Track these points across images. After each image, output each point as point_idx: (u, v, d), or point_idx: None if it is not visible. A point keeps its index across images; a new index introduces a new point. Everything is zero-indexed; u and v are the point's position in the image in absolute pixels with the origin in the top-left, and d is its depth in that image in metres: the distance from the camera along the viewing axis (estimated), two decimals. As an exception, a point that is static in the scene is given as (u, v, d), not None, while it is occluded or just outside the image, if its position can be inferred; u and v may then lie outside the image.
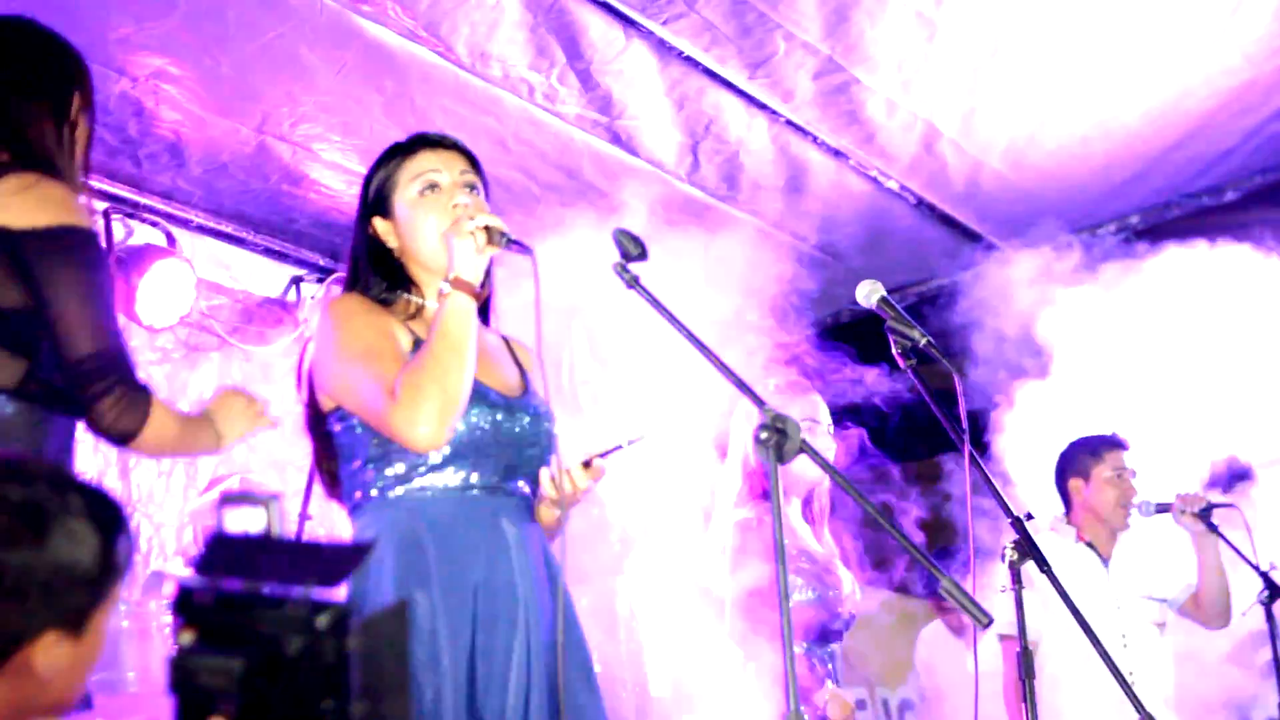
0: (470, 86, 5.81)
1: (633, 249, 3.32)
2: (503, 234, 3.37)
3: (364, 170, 6.02)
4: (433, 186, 3.58)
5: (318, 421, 3.57)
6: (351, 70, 5.60)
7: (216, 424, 3.74)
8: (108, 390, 3.28)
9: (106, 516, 2.17)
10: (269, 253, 6.91)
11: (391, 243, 3.63)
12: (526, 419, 3.51)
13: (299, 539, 2.00)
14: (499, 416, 3.44)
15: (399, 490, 3.38)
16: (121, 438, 3.35)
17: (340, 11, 5.25)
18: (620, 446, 3.46)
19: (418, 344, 3.44)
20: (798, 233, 7.53)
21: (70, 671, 2.16)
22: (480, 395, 3.39)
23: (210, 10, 5.15)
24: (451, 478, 3.38)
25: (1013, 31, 5.95)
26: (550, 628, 3.37)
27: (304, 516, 5.15)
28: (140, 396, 3.33)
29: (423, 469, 3.38)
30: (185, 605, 1.93)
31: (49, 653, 2.10)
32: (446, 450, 3.36)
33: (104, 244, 3.43)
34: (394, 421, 3.24)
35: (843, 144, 6.77)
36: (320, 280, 7.01)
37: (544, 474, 3.44)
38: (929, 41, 5.97)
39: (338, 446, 3.50)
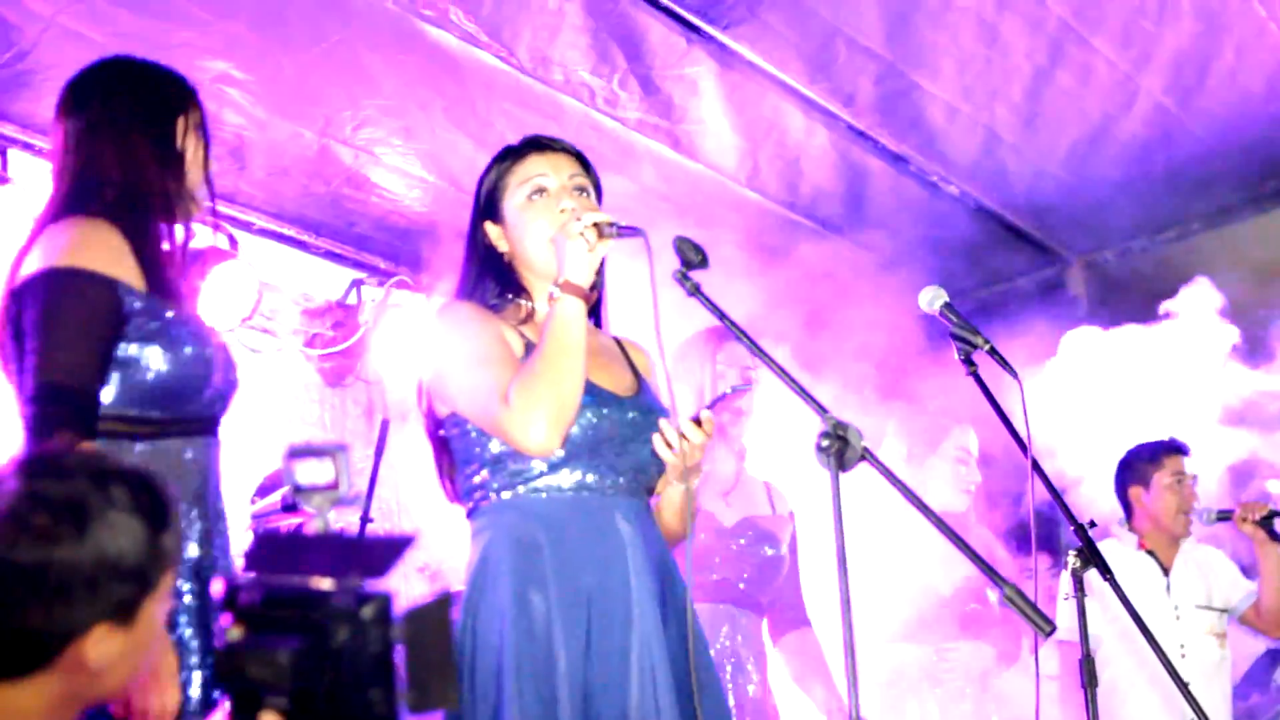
0: (531, 91, 5.82)
1: (694, 256, 3.31)
2: (612, 224, 3.37)
3: (426, 174, 6.14)
4: (541, 191, 3.58)
5: (435, 427, 3.59)
6: (413, 74, 5.62)
7: None
8: (43, 418, 3.02)
9: (152, 507, 2.18)
10: (330, 256, 6.93)
11: (502, 247, 3.64)
12: (639, 417, 3.50)
13: (344, 534, 2.02)
14: (612, 416, 3.43)
15: (514, 492, 3.39)
16: None
17: (402, 16, 5.27)
18: (726, 395, 3.44)
19: (529, 348, 3.45)
20: (857, 238, 7.51)
21: (123, 662, 2.18)
22: (592, 394, 3.39)
23: (273, 14, 5.18)
24: (566, 479, 3.38)
25: (1074, 36, 5.92)
26: (667, 630, 3.35)
27: (365, 519, 5.16)
28: (67, 433, 3.00)
29: (538, 471, 3.38)
30: (233, 601, 1.95)
31: (100, 646, 2.12)
32: (561, 452, 3.35)
33: (108, 282, 3.21)
34: (508, 426, 3.25)
35: (903, 149, 6.76)
36: (381, 283, 7.02)
37: (657, 440, 3.39)
38: (990, 46, 5.95)
39: (454, 451, 3.52)
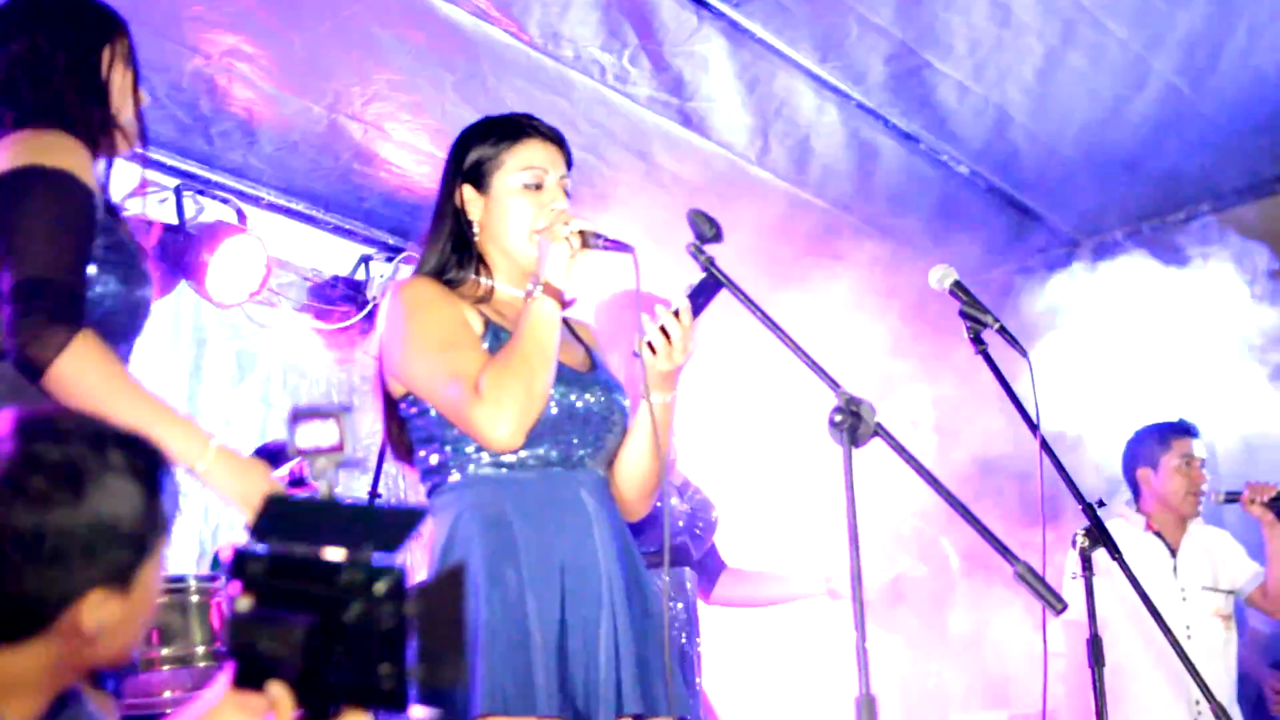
0: (542, 67, 5.81)
1: (708, 230, 3.30)
2: (597, 235, 3.38)
3: (435, 150, 6.11)
4: (538, 184, 3.57)
5: (390, 405, 3.57)
6: (424, 50, 5.61)
7: (218, 470, 3.09)
8: (26, 313, 2.97)
9: (149, 470, 2.17)
10: (339, 231, 6.94)
11: (474, 214, 3.61)
12: (600, 393, 3.52)
13: (357, 503, 2.00)
14: (573, 394, 3.44)
15: (478, 467, 3.39)
16: (32, 367, 2.97)
17: (413, -10, 5.27)
18: (705, 278, 3.37)
19: (489, 326, 3.45)
20: (867, 217, 7.50)
21: (121, 627, 2.17)
22: (557, 371, 3.39)
23: (284, -12, 5.18)
24: (531, 453, 3.39)
25: (1087, 17, 5.89)
26: (631, 604, 3.37)
27: (373, 494, 5.17)
28: (60, 327, 2.97)
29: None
30: (243, 570, 1.94)
31: (97, 611, 2.11)
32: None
33: (89, 189, 3.19)
34: (476, 419, 3.25)
35: (914, 128, 6.73)
36: (390, 259, 7.03)
37: (641, 344, 3.39)
38: (1002, 26, 5.92)
39: (412, 429, 3.51)
